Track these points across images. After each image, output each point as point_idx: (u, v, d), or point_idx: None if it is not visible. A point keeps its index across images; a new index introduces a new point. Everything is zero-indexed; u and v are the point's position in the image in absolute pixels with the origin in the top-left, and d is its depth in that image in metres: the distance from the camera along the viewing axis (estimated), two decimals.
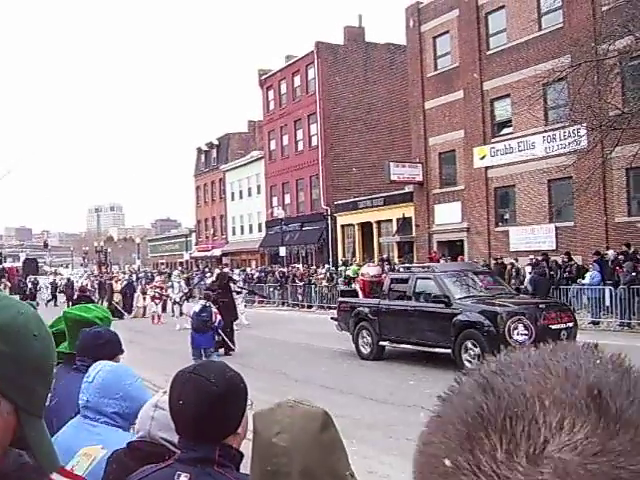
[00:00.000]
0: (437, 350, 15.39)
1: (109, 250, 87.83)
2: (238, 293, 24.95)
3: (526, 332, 13.55)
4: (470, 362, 13.67)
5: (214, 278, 23.76)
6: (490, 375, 0.62)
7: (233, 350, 18.74)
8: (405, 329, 16.28)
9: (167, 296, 31.87)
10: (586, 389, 0.57)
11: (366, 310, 17.64)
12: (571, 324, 14.58)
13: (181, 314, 26.63)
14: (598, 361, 0.62)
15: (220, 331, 16.72)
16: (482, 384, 0.61)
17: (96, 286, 44.06)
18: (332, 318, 19.85)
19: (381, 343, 17.08)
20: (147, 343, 21.92)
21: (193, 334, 15.53)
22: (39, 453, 1.36)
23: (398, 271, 19.63)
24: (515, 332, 13.56)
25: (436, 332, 15.32)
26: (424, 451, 0.63)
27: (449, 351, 14.79)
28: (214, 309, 15.96)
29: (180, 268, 56.43)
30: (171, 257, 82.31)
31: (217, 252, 62.15)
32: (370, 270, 20.69)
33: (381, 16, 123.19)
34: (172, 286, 30.00)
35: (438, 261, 26.43)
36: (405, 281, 16.98)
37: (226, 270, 28.77)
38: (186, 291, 30.14)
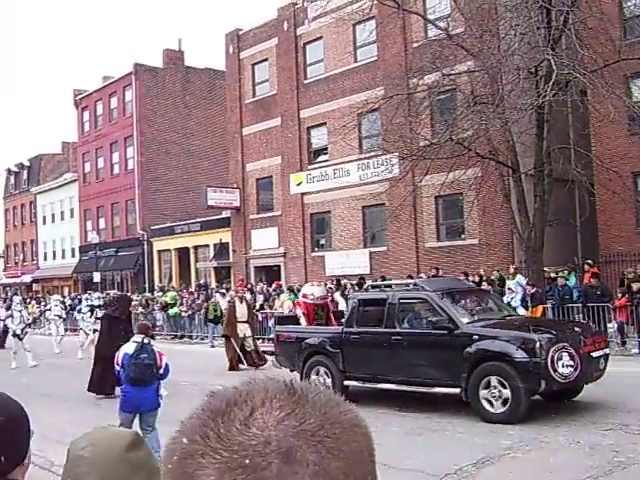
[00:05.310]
0: (439, 390, 12.13)
1: None
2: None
3: (572, 363, 10.81)
4: (491, 403, 11.14)
5: (114, 302, 19.44)
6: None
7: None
8: (386, 364, 12.65)
9: None
10: (282, 382, 0.84)
11: (323, 341, 13.94)
12: (608, 350, 12.16)
13: (25, 349, 22.96)
14: None
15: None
16: (209, 394, 0.85)
17: None
18: (267, 352, 17.23)
19: (346, 383, 13.30)
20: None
21: (127, 390, 9.42)
22: None
23: (367, 290, 16.40)
24: (560, 363, 10.72)
25: (436, 367, 11.97)
26: (168, 452, 0.82)
27: (457, 391, 11.62)
28: (157, 348, 10.00)
29: (22, 295, 49.56)
30: None
31: (27, 278, 60.09)
32: (315, 290, 16.84)
33: (201, 41, 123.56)
34: (12, 315, 26.04)
35: (245, 287, 24.51)
36: (381, 302, 13.39)
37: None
38: (29, 321, 26.16)
